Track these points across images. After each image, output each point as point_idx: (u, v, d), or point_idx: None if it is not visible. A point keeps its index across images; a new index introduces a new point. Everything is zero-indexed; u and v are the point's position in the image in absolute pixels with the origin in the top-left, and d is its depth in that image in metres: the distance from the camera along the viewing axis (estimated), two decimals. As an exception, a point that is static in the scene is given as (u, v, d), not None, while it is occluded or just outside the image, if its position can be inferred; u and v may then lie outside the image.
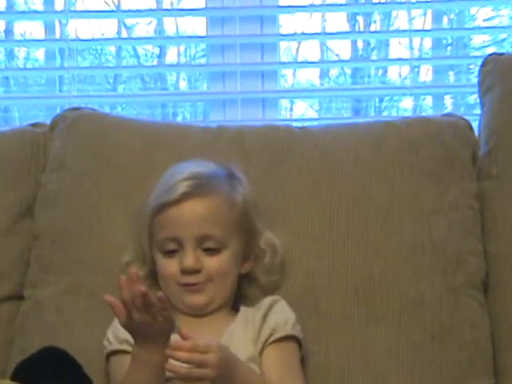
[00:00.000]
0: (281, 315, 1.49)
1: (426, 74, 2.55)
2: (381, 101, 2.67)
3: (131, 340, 1.39)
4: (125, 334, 1.38)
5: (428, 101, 2.54)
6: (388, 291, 1.60)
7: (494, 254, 1.67)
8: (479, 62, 1.89)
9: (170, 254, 1.48)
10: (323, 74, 2.65)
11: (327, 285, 1.60)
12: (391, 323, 1.58)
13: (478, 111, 1.89)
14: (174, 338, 1.30)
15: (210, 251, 1.48)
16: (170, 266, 1.48)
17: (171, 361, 1.27)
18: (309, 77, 2.66)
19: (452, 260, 1.63)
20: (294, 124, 1.86)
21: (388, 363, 1.55)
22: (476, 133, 1.81)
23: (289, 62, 2.53)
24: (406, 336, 1.57)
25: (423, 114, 2.43)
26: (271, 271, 1.57)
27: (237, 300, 1.55)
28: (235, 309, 1.53)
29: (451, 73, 2.49)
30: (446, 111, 2.34)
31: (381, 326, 1.58)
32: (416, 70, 2.52)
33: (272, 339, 1.46)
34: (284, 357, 1.46)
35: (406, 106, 2.55)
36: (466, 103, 2.48)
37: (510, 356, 1.60)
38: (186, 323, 1.44)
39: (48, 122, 1.84)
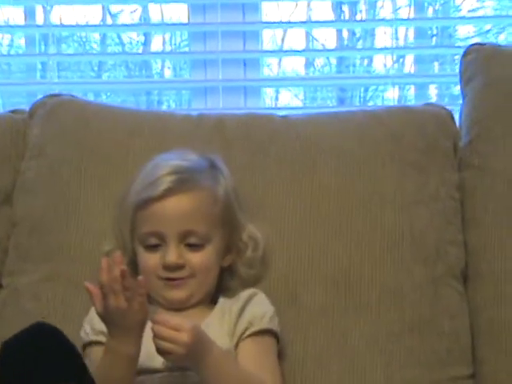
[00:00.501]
0: (258, 308, 1.48)
1: (410, 64, 2.55)
2: (366, 90, 2.67)
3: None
4: (101, 325, 1.38)
5: (413, 91, 2.54)
6: (368, 282, 1.60)
7: (474, 244, 1.67)
8: (464, 53, 1.88)
9: (152, 248, 1.47)
10: (308, 64, 2.65)
11: (306, 276, 1.60)
12: (370, 314, 1.58)
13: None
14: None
15: (194, 247, 1.46)
16: (151, 260, 1.47)
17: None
18: (294, 66, 2.66)
19: (432, 250, 1.63)
20: (277, 113, 1.85)
21: (366, 353, 1.55)
22: (458, 123, 1.81)
23: (271, 51, 2.52)
24: (385, 326, 1.57)
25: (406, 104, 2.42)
26: (252, 264, 1.56)
27: (217, 291, 1.54)
28: (214, 300, 1.52)
29: (436, 63, 2.49)
30: (430, 101, 2.34)
31: (360, 317, 1.58)
32: (401, 60, 2.52)
33: (248, 333, 1.45)
34: (259, 351, 1.45)
35: (390, 96, 2.55)
36: (450, 93, 2.47)
37: (488, 346, 1.60)
38: None
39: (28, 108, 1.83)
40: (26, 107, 1.87)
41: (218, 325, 1.45)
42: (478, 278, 1.65)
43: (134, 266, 1.52)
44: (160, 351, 1.29)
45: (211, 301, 1.52)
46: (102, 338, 1.42)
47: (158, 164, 1.51)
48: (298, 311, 1.58)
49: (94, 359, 1.41)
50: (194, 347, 1.29)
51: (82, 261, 1.60)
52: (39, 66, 2.45)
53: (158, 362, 1.36)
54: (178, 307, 1.48)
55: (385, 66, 2.56)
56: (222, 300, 1.51)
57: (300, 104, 2.66)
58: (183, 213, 1.46)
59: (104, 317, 1.31)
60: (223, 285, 1.55)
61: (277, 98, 2.67)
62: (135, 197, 1.49)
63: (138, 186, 1.50)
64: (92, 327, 1.46)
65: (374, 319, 1.58)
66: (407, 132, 1.72)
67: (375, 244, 1.62)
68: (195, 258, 1.46)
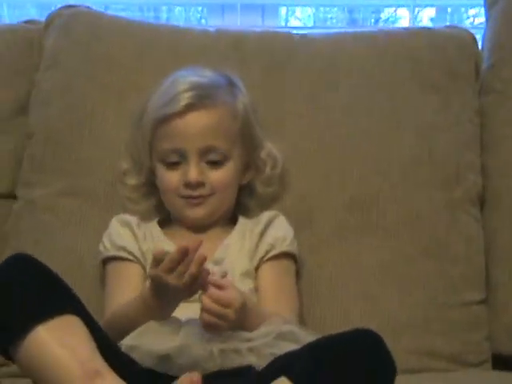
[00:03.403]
0: (280, 231, 1.48)
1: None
2: (377, 12, 2.62)
3: (129, 247, 1.42)
4: (122, 241, 1.37)
5: (430, 13, 2.49)
6: (384, 204, 1.59)
7: (492, 169, 1.66)
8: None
9: (172, 166, 1.45)
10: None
11: (322, 197, 1.59)
12: (386, 237, 1.58)
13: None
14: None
15: (214, 164, 1.45)
16: (172, 178, 1.45)
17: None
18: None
19: (451, 175, 1.62)
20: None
21: (380, 276, 1.56)
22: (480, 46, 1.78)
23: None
24: (401, 250, 1.57)
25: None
26: (270, 182, 1.55)
27: (235, 210, 1.53)
28: (233, 220, 1.52)
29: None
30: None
31: (375, 240, 1.57)
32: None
33: (269, 255, 1.45)
34: (279, 273, 1.45)
35: (404, 20, 2.50)
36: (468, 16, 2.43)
37: (501, 271, 1.60)
38: (184, 237, 1.43)
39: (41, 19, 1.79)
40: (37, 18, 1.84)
41: (238, 245, 1.45)
42: (495, 202, 1.65)
43: (149, 186, 1.52)
44: (205, 324, 1.23)
45: (230, 220, 1.51)
46: (123, 254, 1.42)
47: (177, 80, 1.49)
48: (313, 232, 1.57)
49: (116, 274, 1.42)
50: (238, 318, 1.24)
51: (97, 175, 1.59)
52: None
53: None
54: (199, 225, 1.47)
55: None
56: (241, 220, 1.51)
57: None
58: (204, 128, 1.44)
59: (160, 284, 1.22)
60: (241, 203, 1.54)
61: (287, 19, 2.62)
62: (154, 113, 1.47)
63: (157, 103, 1.48)
64: (112, 242, 1.45)
65: (389, 242, 1.57)
66: (428, 54, 1.70)
67: (393, 167, 1.61)
68: (215, 176, 1.45)
